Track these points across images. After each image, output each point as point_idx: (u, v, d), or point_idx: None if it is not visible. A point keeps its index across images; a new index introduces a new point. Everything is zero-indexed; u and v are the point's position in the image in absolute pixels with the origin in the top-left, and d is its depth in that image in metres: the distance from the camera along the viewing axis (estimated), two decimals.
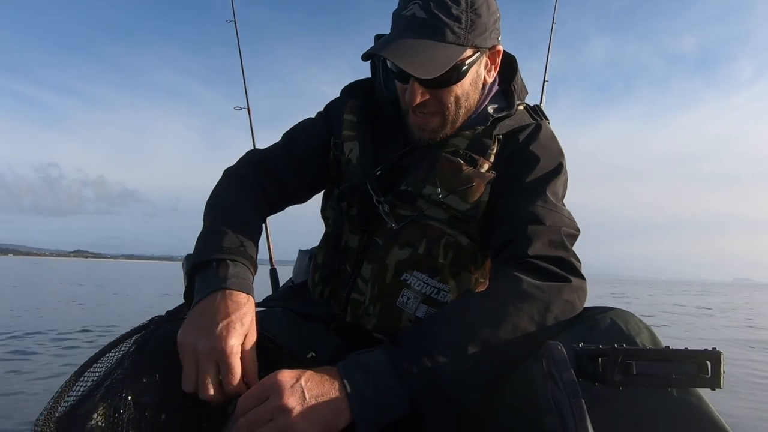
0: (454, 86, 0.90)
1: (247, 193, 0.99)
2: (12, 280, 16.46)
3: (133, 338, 0.79)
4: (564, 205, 0.94)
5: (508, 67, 1.03)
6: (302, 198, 1.13)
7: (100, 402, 0.70)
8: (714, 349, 0.54)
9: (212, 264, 0.81)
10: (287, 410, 0.62)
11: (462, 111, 0.95)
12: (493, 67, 0.98)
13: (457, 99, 0.92)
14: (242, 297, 0.77)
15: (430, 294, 0.92)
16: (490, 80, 0.99)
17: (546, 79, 2.82)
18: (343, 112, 1.06)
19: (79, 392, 0.71)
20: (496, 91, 1.03)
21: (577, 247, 0.89)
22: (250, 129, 2.96)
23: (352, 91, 1.10)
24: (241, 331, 0.73)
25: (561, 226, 0.87)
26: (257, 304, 1.11)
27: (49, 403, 0.67)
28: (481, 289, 0.96)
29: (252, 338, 0.75)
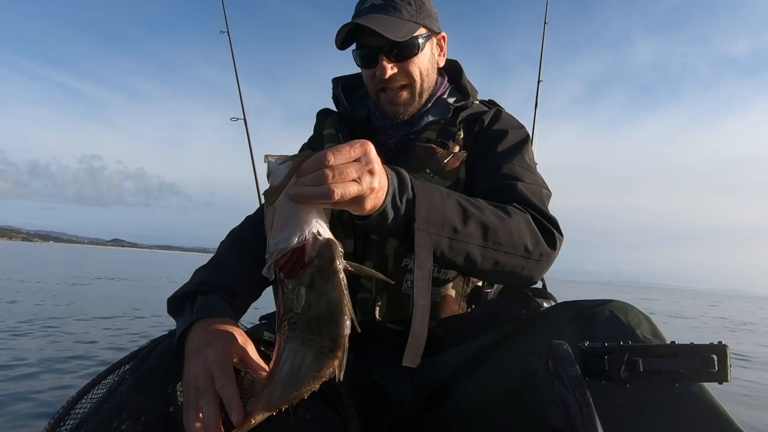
0: (416, 58, 1.04)
1: (236, 246, 1.04)
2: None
3: (135, 358, 0.78)
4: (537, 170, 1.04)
5: (455, 71, 1.18)
6: None
7: (101, 422, 0.69)
8: (720, 342, 0.53)
9: (180, 299, 0.85)
10: (375, 174, 0.66)
11: (426, 86, 1.08)
12: (441, 53, 1.13)
13: (421, 72, 1.05)
14: (198, 331, 0.74)
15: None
16: (441, 64, 1.14)
17: (540, 79, 2.83)
18: (322, 130, 1.15)
19: (81, 413, 0.70)
20: (451, 87, 1.17)
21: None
22: (247, 139, 2.96)
23: (326, 111, 1.22)
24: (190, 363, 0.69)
25: (540, 186, 0.98)
26: (265, 318, 1.10)
27: (48, 424, 0.66)
28: None
29: (219, 358, 0.67)
